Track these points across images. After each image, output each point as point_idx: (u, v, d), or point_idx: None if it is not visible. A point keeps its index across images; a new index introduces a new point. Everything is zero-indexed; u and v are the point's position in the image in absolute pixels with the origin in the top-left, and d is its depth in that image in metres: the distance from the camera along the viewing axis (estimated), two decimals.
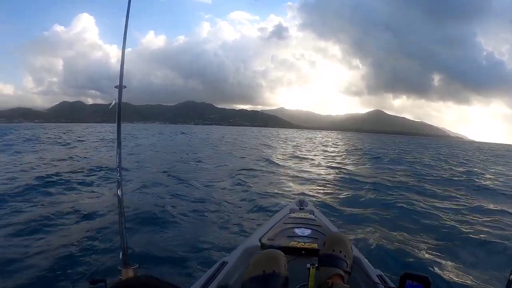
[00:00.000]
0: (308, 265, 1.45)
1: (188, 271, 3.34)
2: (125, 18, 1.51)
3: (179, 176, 9.07)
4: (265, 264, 1.28)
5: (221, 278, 1.67)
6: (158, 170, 10.16)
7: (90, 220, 4.75)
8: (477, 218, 5.83)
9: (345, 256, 1.46)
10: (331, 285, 1.30)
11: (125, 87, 1.44)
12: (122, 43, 1.47)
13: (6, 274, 3.08)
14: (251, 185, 8.11)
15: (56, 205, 5.53)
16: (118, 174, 1.46)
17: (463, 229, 5.12)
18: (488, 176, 12.77)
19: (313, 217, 2.65)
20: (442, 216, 5.83)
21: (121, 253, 1.39)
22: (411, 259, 3.89)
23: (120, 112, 1.45)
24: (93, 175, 8.81)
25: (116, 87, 1.42)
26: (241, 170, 10.55)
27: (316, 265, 1.45)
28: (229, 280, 1.73)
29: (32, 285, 2.94)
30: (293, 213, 2.78)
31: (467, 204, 7.01)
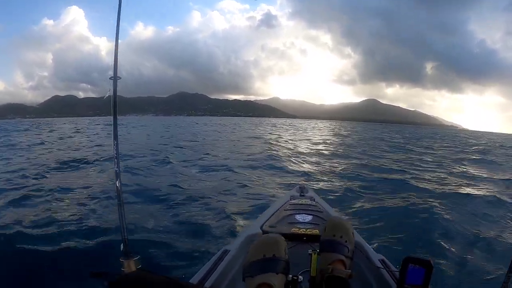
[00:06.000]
0: (310, 251, 1.41)
1: (190, 261, 3.35)
2: (116, 10, 1.49)
3: (178, 164, 9.13)
4: (265, 248, 1.27)
5: (223, 267, 1.65)
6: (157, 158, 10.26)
7: (90, 211, 4.72)
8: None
9: (346, 241, 1.43)
10: (331, 270, 1.28)
11: (119, 78, 1.43)
12: (112, 35, 1.46)
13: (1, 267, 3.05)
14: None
15: (54, 196, 5.51)
16: (116, 165, 1.45)
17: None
18: None
19: (314, 203, 2.65)
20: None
21: (122, 244, 1.38)
22: (413, 244, 3.96)
23: (116, 103, 1.44)
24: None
25: (110, 78, 1.42)
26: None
27: (318, 250, 1.41)
28: (231, 268, 1.72)
29: (31, 278, 2.92)
30: (294, 199, 2.78)
31: None
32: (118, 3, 1.47)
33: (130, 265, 1.32)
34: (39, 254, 3.35)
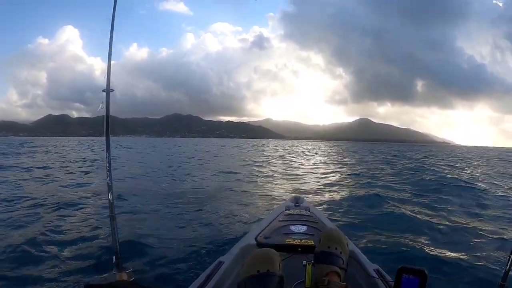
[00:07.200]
0: (305, 262, 1.45)
1: (184, 272, 3.27)
2: (109, 29, 1.54)
3: (171, 178, 9.05)
4: (259, 263, 1.25)
5: (218, 278, 1.66)
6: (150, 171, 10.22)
7: (82, 224, 4.68)
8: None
9: (340, 252, 1.45)
10: (327, 282, 1.31)
11: (112, 90, 1.44)
12: (106, 55, 1.47)
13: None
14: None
15: (46, 209, 5.46)
16: (108, 178, 1.46)
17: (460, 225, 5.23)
18: None
19: (309, 213, 2.66)
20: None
21: (114, 257, 1.38)
22: (408, 254, 3.90)
23: (108, 116, 1.45)
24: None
25: (103, 90, 1.43)
26: None
27: (312, 262, 1.45)
28: (226, 279, 1.72)
29: None
30: (289, 210, 2.78)
31: None
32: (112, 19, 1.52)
33: (123, 278, 1.31)
34: (31, 268, 3.26)
